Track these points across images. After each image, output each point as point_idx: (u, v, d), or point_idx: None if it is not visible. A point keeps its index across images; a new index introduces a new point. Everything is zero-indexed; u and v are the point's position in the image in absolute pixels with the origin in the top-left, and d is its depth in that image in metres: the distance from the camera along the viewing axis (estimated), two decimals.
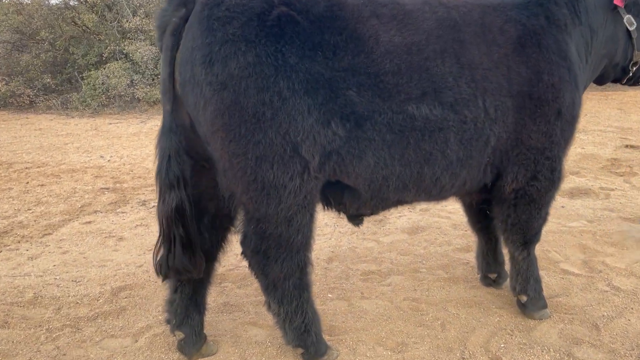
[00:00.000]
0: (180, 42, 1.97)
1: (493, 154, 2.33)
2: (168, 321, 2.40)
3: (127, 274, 3.34)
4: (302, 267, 2.16)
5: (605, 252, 3.43)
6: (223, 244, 2.39)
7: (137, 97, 10.66)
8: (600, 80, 2.90)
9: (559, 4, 2.46)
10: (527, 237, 2.59)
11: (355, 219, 2.51)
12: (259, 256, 2.12)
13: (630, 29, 2.63)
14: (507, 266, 2.87)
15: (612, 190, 4.80)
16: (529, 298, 2.66)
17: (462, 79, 2.16)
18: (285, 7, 1.92)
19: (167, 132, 2.04)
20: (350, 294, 3.00)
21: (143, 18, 11.17)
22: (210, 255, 2.33)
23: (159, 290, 3.08)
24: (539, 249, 3.50)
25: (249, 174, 1.94)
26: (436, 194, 2.35)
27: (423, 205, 4.51)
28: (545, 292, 2.82)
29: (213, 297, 2.99)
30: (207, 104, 1.89)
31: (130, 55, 10.79)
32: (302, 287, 2.19)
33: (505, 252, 2.87)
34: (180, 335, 2.37)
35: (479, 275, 3.09)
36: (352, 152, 2.04)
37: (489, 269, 2.98)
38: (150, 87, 10.76)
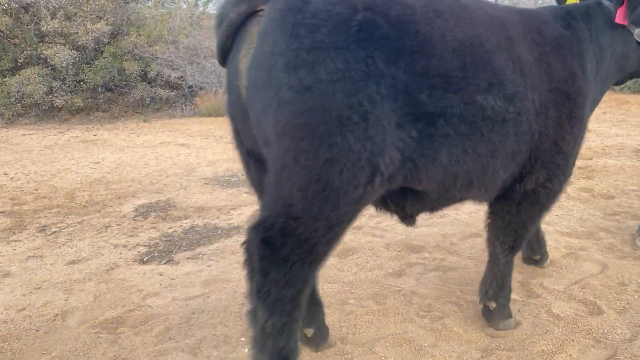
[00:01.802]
0: (245, 44, 1.91)
1: (532, 151, 2.30)
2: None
3: (2, 321, 2.81)
4: (307, 281, 1.94)
5: (544, 272, 3.22)
6: None
7: (57, 106, 9.84)
8: (617, 84, 3.06)
9: (578, 21, 2.56)
10: (517, 240, 2.55)
11: (409, 219, 2.41)
12: (267, 250, 1.86)
13: None
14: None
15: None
16: (498, 306, 2.60)
17: (515, 72, 2.16)
18: (368, 12, 1.84)
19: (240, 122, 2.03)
20: None
21: (63, 20, 10.35)
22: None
23: (38, 342, 2.58)
24: (475, 271, 3.26)
25: (313, 173, 1.78)
26: (490, 191, 2.28)
27: (357, 222, 4.20)
28: (482, 323, 2.57)
29: (102, 348, 2.52)
30: (283, 105, 1.76)
31: (49, 60, 9.97)
32: (297, 304, 1.94)
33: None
34: (310, 332, 2.39)
35: (522, 256, 3.30)
36: (426, 154, 1.94)
37: (533, 252, 3.26)
38: (71, 94, 9.97)
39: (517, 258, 3.39)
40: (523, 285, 3.07)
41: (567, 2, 2.85)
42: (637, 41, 2.72)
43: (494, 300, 2.60)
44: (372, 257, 3.52)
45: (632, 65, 2.80)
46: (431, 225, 4.10)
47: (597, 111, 9.89)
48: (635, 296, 2.89)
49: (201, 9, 11.61)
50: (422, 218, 4.27)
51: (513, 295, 2.93)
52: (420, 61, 1.91)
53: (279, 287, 1.88)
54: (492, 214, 2.56)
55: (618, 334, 2.53)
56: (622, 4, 2.60)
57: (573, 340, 2.48)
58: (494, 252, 2.62)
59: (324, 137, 1.75)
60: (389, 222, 4.20)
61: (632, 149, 6.57)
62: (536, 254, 3.29)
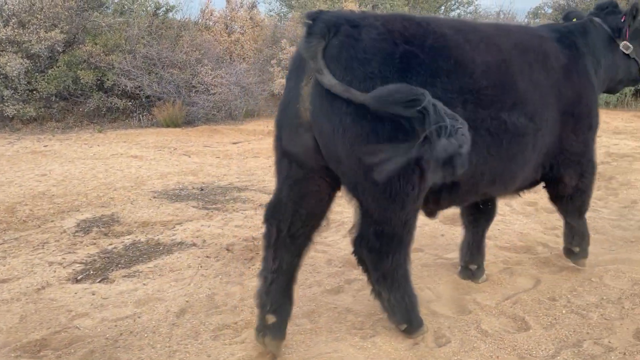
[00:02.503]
0: (307, 74, 2.29)
1: (544, 158, 2.89)
2: (262, 306, 2.55)
3: None
4: (407, 259, 2.54)
5: (478, 288, 3.26)
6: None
7: (8, 115, 9.53)
8: (610, 92, 3.66)
9: (579, 37, 3.10)
10: (581, 213, 3.35)
11: (434, 213, 2.86)
12: (373, 254, 2.44)
13: (627, 52, 3.31)
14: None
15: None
16: (580, 250, 3.38)
17: (535, 94, 2.66)
18: (406, 45, 2.29)
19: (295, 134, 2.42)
20: (195, 358, 2.55)
21: (16, 28, 10.06)
22: (301, 253, 2.64)
23: None
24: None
25: (380, 185, 2.25)
26: (510, 188, 2.90)
27: None
28: (413, 342, 2.59)
29: None
30: (346, 130, 2.22)
31: (0, 68, 9.64)
32: (406, 276, 2.57)
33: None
34: (272, 319, 2.52)
35: (459, 267, 3.43)
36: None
37: (472, 260, 3.36)
38: (23, 103, 9.68)
39: (452, 281, 3.44)
40: (456, 301, 3.10)
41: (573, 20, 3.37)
42: (624, 52, 3.29)
43: (577, 246, 3.37)
44: (312, 274, 3.50)
45: (619, 73, 3.38)
46: None
47: None
48: (563, 311, 2.96)
49: (161, 17, 11.46)
50: None
51: (445, 312, 2.97)
52: (454, 80, 2.39)
53: (390, 274, 2.49)
54: (557, 207, 3.34)
55: (542, 350, 2.58)
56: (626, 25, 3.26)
57: (498, 357, 2.52)
58: (570, 223, 3.37)
59: (382, 154, 2.12)
60: (334, 237, 4.20)
61: None
62: (473, 263, 3.34)
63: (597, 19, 3.26)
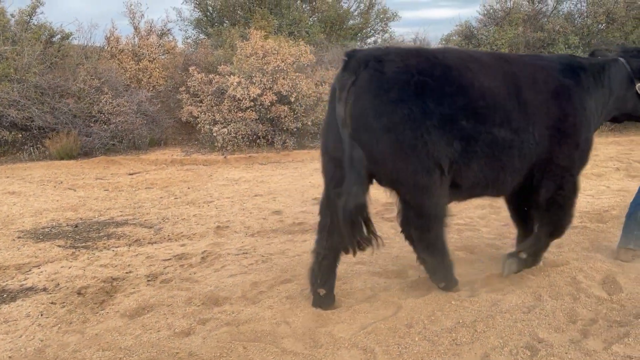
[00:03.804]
0: (349, 98, 2.90)
1: (533, 167, 3.34)
2: (313, 281, 3.26)
3: None
4: (443, 232, 3.23)
5: (338, 318, 3.13)
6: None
7: None
8: (614, 121, 4.07)
9: (586, 73, 3.53)
10: (554, 232, 3.64)
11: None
12: (418, 230, 3.21)
13: None
14: None
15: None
16: (524, 259, 3.62)
17: (520, 113, 3.18)
18: (419, 75, 2.93)
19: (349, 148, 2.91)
20: None
21: None
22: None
23: None
24: (270, 322, 3.09)
25: (410, 180, 2.98)
26: (501, 191, 3.45)
27: (166, 275, 3.91)
28: None
29: None
30: (379, 141, 2.90)
31: None
32: (444, 244, 3.27)
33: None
34: (323, 291, 3.23)
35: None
36: (464, 162, 3.04)
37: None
38: None
39: (312, 312, 3.29)
40: (311, 335, 2.95)
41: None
42: (637, 92, 3.70)
43: (525, 254, 3.61)
44: (166, 316, 3.24)
45: (627, 108, 3.80)
46: (247, 272, 3.92)
47: None
48: (416, 339, 2.87)
49: (56, 45, 10.87)
50: (242, 265, 4.09)
51: (295, 348, 2.81)
52: (457, 100, 3.00)
53: (432, 243, 3.23)
54: (535, 216, 3.63)
55: None
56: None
57: None
58: (539, 234, 3.63)
59: (407, 158, 2.93)
60: (204, 272, 3.96)
61: None
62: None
63: (621, 59, 3.73)
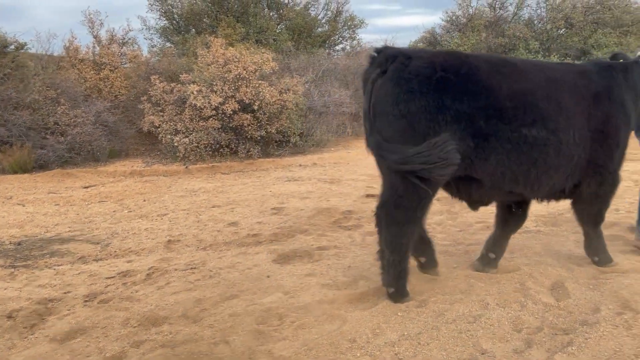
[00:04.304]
0: (374, 89, 3.16)
1: (574, 169, 3.46)
2: (415, 254, 3.68)
3: None
4: (412, 233, 3.27)
5: (280, 335, 3.01)
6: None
7: None
8: None
9: (618, 73, 3.66)
10: (597, 222, 3.86)
11: (475, 204, 3.64)
12: (390, 218, 3.23)
13: None
14: None
15: (330, 249, 4.61)
16: (599, 258, 3.88)
17: (560, 115, 3.30)
18: (443, 72, 3.07)
19: (370, 136, 3.25)
20: None
21: None
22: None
23: None
24: (208, 342, 2.95)
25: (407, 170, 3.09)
26: (536, 189, 3.44)
27: (106, 295, 3.73)
28: None
29: None
30: (391, 126, 3.13)
31: None
32: (407, 246, 3.29)
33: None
34: (423, 259, 3.72)
35: (480, 254, 3.95)
36: (479, 157, 3.15)
37: (493, 249, 3.87)
38: None
39: (254, 330, 3.17)
40: (250, 353, 2.82)
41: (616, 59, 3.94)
42: None
43: (595, 256, 3.88)
44: (99, 339, 3.07)
45: None
46: (192, 289, 3.77)
47: None
48: (358, 354, 2.78)
49: (10, 56, 10.51)
50: (188, 281, 3.94)
51: None
52: (479, 99, 3.12)
53: (396, 239, 3.24)
54: (576, 211, 3.84)
55: None
56: None
57: None
58: (587, 231, 3.88)
59: (415, 145, 3.02)
60: (146, 290, 3.80)
61: None
62: (492, 252, 3.83)
63: (631, 65, 3.83)
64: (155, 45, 19.16)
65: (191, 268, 4.23)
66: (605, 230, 4.68)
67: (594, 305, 3.27)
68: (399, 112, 3.06)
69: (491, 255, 3.84)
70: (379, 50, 3.27)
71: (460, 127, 3.08)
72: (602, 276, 3.71)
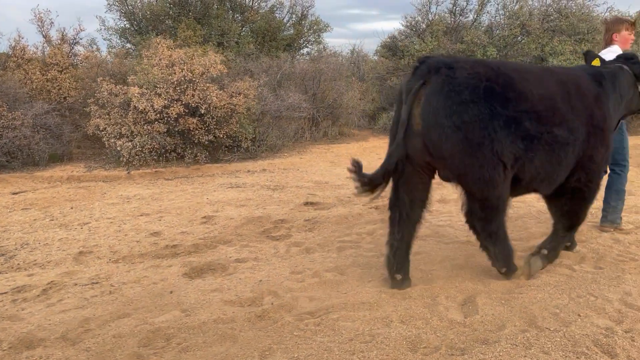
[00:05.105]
0: (417, 100, 3.34)
1: (577, 162, 3.68)
2: (389, 268, 3.69)
3: None
4: (504, 222, 3.56)
5: (177, 359, 2.78)
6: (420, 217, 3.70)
7: None
8: (623, 118, 4.44)
9: (607, 80, 3.94)
10: (572, 225, 3.97)
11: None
12: (481, 221, 3.49)
13: None
14: None
15: (248, 261, 4.39)
16: (545, 257, 3.88)
17: (573, 115, 3.55)
18: (487, 82, 3.32)
19: (399, 146, 3.41)
20: None
21: None
22: (415, 228, 3.70)
23: None
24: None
25: (477, 174, 3.32)
26: (552, 185, 3.69)
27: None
28: None
29: None
30: (448, 138, 3.25)
31: None
32: (505, 233, 3.59)
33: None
34: (399, 276, 3.67)
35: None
36: (528, 158, 3.39)
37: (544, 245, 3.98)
38: None
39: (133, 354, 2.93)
40: None
41: (593, 63, 4.24)
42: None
43: (547, 250, 3.88)
44: None
45: (631, 107, 4.27)
46: (85, 306, 3.50)
47: (373, 156, 10.41)
48: None
49: None
50: (83, 297, 3.67)
51: None
52: (520, 105, 3.34)
53: (494, 233, 3.51)
54: (554, 206, 3.97)
55: None
56: None
57: None
58: (557, 229, 3.97)
59: (475, 155, 3.26)
60: (35, 308, 3.51)
61: None
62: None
63: (625, 67, 4.13)
64: (115, 47, 18.69)
65: (93, 283, 3.96)
66: (533, 241, 4.60)
67: (501, 322, 3.14)
68: (453, 123, 3.20)
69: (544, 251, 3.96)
70: (421, 61, 3.42)
71: (511, 131, 3.29)
72: (517, 290, 3.59)
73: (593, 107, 3.72)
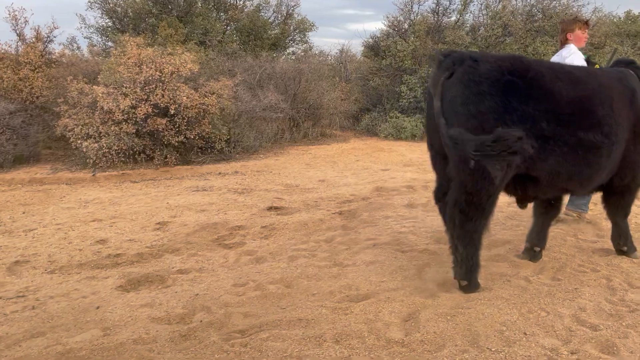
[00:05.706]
0: (444, 90, 3.34)
1: (615, 166, 3.79)
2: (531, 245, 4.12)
3: None
4: (484, 227, 3.45)
5: None
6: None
7: None
8: None
9: (634, 79, 3.95)
10: (626, 214, 4.23)
11: (525, 201, 3.87)
12: (462, 215, 3.36)
13: None
14: None
15: (191, 272, 4.14)
16: (627, 248, 4.23)
17: (612, 119, 3.58)
18: (509, 75, 3.29)
19: (444, 133, 3.27)
20: None
21: None
22: None
23: None
24: None
25: (475, 165, 3.20)
26: (585, 187, 3.79)
27: None
28: None
29: None
30: (461, 124, 3.21)
31: None
32: (480, 240, 3.48)
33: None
34: (538, 249, 4.09)
35: (525, 246, 4.24)
36: (540, 157, 3.36)
37: (539, 243, 4.17)
38: None
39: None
40: None
41: (596, 67, 4.37)
42: None
43: (624, 245, 4.24)
44: None
45: None
46: (1, 323, 3.25)
47: (351, 158, 10.20)
48: None
49: None
50: (2, 313, 3.41)
51: None
52: (542, 104, 3.33)
53: (469, 234, 3.40)
54: (608, 203, 4.20)
55: None
56: None
57: None
58: (616, 221, 4.23)
59: None
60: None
61: (341, 200, 6.56)
62: (537, 246, 4.17)
63: (630, 70, 4.09)
64: (95, 45, 18.37)
65: (19, 296, 3.70)
66: (495, 249, 4.39)
67: (442, 340, 2.92)
68: (469, 112, 3.23)
69: (536, 249, 4.15)
70: (446, 54, 3.44)
71: (525, 128, 3.23)
72: (465, 304, 3.38)
73: (629, 110, 3.76)
